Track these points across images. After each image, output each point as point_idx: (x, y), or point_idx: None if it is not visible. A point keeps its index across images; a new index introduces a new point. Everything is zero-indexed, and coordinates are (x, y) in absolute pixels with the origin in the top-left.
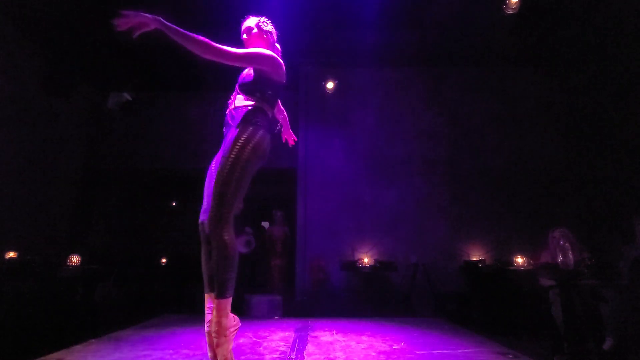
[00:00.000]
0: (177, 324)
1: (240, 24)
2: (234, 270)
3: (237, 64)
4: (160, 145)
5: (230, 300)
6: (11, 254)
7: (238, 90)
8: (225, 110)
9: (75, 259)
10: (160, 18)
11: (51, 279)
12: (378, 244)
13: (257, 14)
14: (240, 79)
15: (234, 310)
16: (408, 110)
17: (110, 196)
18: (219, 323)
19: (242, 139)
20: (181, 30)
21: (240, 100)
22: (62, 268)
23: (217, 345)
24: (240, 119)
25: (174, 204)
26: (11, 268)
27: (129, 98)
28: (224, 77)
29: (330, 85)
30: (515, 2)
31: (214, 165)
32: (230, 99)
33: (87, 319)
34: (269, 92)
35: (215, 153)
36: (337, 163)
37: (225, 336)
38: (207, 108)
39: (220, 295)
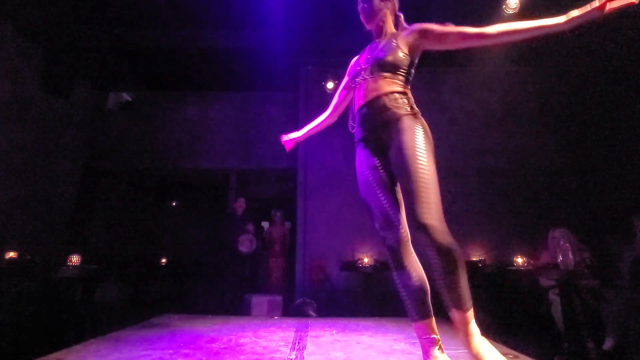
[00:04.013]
0: (177, 324)
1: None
2: None
3: None
4: (160, 145)
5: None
6: (11, 254)
7: (380, 70)
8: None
9: (75, 259)
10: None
11: (51, 279)
12: (378, 244)
13: (258, 13)
14: (390, 60)
15: (234, 310)
16: None
17: (110, 196)
18: (475, 336)
19: (423, 130)
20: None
21: (389, 84)
22: (62, 268)
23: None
24: (407, 106)
25: (174, 204)
26: (11, 268)
27: (129, 98)
28: (224, 78)
29: (330, 85)
30: (516, 2)
31: (369, 172)
32: (362, 77)
33: (87, 319)
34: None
35: (214, 152)
36: (337, 163)
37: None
38: (206, 108)
39: (469, 305)
